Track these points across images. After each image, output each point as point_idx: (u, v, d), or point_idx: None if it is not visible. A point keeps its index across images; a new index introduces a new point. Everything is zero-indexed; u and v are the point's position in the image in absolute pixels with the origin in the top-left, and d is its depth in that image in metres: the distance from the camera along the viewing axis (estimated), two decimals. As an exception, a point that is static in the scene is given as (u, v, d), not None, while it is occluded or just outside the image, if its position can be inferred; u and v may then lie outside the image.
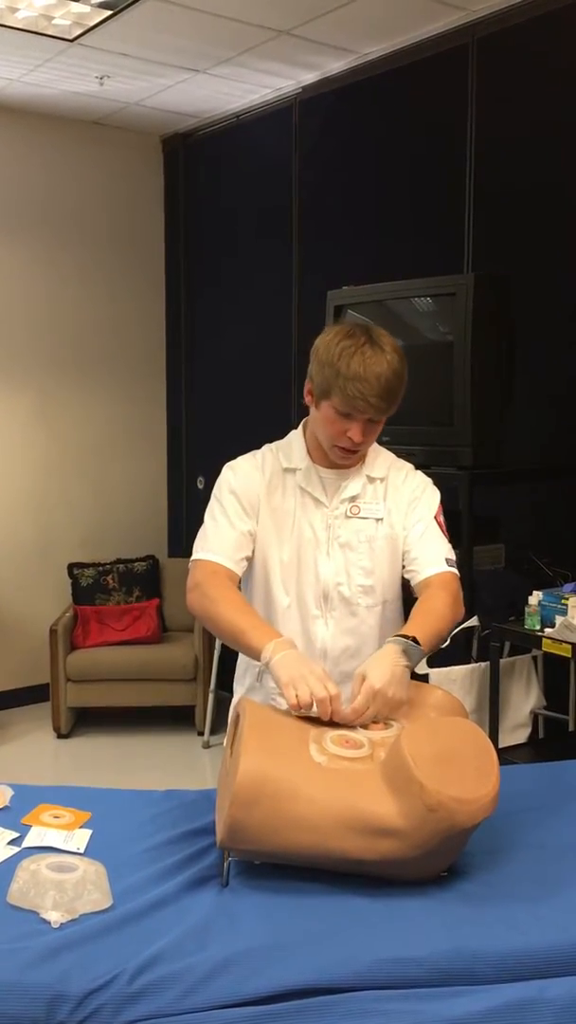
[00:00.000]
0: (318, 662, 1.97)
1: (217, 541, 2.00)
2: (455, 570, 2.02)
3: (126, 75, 4.35)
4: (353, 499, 2.03)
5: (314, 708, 1.69)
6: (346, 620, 2.03)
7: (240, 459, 2.10)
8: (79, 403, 5.30)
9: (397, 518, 2.04)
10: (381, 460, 2.09)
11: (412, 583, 2.03)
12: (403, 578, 2.08)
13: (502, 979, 1.33)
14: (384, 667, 1.73)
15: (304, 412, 2.11)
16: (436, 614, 1.89)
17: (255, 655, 1.82)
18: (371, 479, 2.05)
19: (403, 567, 2.05)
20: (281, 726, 1.65)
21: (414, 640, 1.79)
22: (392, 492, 2.05)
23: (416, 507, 2.05)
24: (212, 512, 2.05)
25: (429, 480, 2.11)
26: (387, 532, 2.03)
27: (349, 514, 2.03)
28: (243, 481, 2.04)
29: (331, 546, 2.02)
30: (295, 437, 2.10)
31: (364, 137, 4.21)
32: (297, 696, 1.68)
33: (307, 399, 2.01)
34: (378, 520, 2.03)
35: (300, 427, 2.11)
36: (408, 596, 2.10)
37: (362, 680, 1.72)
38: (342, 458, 2.01)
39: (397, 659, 1.75)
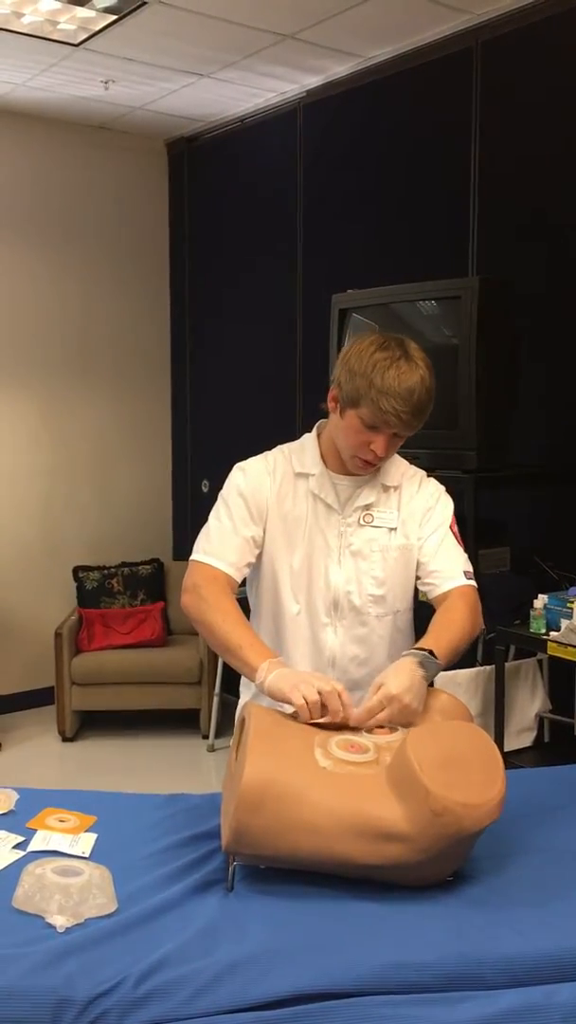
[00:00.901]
0: (323, 671, 1.97)
1: (220, 545, 1.98)
2: (473, 582, 1.99)
3: (131, 79, 4.36)
4: (367, 507, 2.01)
5: (324, 717, 1.69)
6: (356, 629, 2.02)
7: (251, 460, 2.06)
8: (84, 407, 5.30)
9: (412, 528, 2.02)
10: (395, 468, 2.06)
11: (430, 596, 2.01)
12: (415, 588, 2.07)
13: (508, 984, 1.32)
14: (402, 676, 1.73)
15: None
16: (455, 627, 1.88)
17: (248, 672, 1.81)
18: (385, 487, 2.03)
19: (418, 578, 2.03)
20: (287, 730, 1.65)
21: (431, 653, 1.78)
22: (406, 501, 2.03)
23: (431, 517, 2.02)
24: (218, 513, 2.02)
25: (442, 488, 2.09)
26: (401, 542, 2.01)
27: (362, 522, 2.00)
28: (253, 484, 2.01)
29: (343, 554, 2.00)
30: (309, 441, 2.07)
31: (368, 141, 4.21)
32: (305, 697, 1.68)
33: (330, 405, 1.97)
34: (392, 529, 2.00)
35: (314, 431, 2.08)
36: (419, 606, 2.09)
37: (379, 688, 1.72)
38: (361, 469, 1.98)
39: (415, 670, 1.74)
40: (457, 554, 2.01)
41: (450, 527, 2.03)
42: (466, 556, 2.03)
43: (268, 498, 2.01)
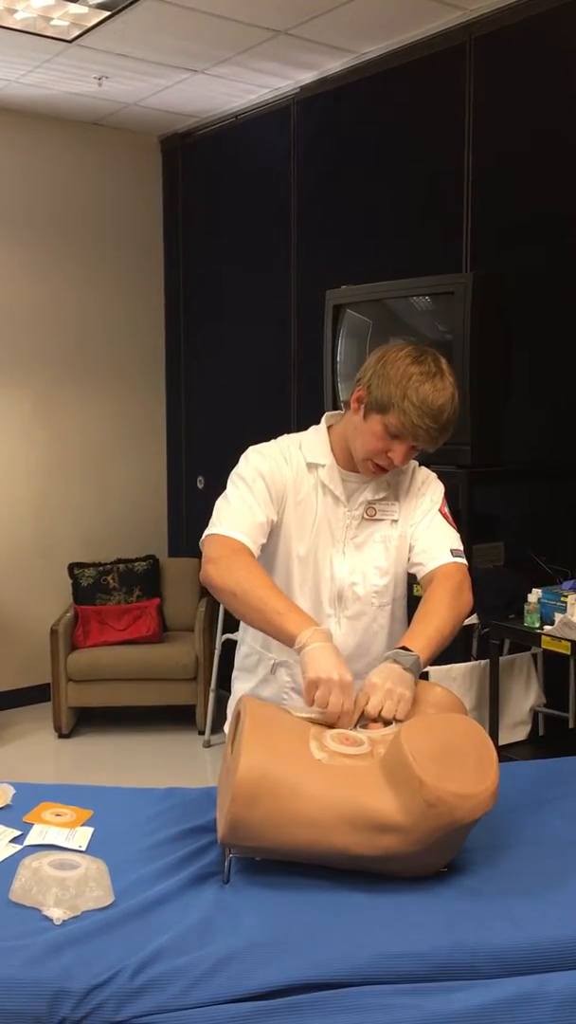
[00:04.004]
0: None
1: (241, 519, 1.94)
2: (461, 560, 2.01)
3: (124, 75, 4.36)
4: (372, 502, 2.03)
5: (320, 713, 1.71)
6: (358, 619, 2.04)
7: (266, 445, 2.06)
8: (79, 403, 5.30)
9: (407, 516, 2.05)
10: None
11: (418, 577, 2.04)
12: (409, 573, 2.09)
13: (502, 973, 1.33)
14: (380, 670, 1.77)
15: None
16: (437, 617, 1.88)
17: (287, 639, 1.78)
18: (388, 483, 2.06)
19: (408, 561, 2.05)
20: (281, 723, 1.66)
21: (403, 648, 1.81)
22: (402, 492, 2.07)
23: (422, 502, 2.06)
24: (239, 490, 1.99)
25: (433, 474, 2.13)
26: (400, 532, 2.04)
27: (366, 516, 2.03)
28: (272, 467, 2.00)
29: (347, 545, 2.02)
30: (319, 435, 2.07)
31: (362, 136, 4.21)
32: (316, 699, 1.70)
33: (353, 405, 1.97)
34: (393, 521, 2.04)
35: (323, 425, 2.09)
36: (414, 597, 2.10)
37: (367, 698, 1.74)
38: (371, 473, 1.99)
39: (390, 665, 1.77)
40: (444, 533, 2.03)
41: (440, 509, 2.06)
42: (456, 535, 2.05)
43: (287, 483, 2.01)
